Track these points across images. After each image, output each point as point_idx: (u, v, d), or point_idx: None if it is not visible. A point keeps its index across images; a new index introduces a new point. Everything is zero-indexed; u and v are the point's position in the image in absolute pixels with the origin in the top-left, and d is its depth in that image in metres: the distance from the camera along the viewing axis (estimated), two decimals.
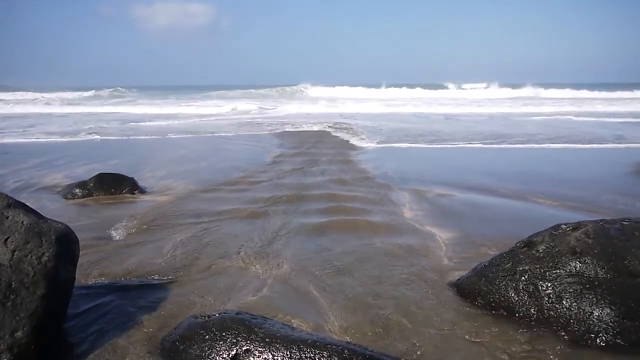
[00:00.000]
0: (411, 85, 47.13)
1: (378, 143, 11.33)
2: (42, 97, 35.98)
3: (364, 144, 11.20)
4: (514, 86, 43.60)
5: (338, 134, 13.30)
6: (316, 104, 27.33)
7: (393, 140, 11.88)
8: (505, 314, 2.95)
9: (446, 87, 48.25)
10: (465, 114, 21.89)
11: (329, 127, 14.98)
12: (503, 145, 10.87)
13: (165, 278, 3.52)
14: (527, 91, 41.96)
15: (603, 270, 2.84)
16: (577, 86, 43.44)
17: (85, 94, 41.99)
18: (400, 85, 46.73)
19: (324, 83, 47.33)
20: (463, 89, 46.83)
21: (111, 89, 46.01)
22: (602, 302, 2.72)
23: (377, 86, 46.26)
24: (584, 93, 38.74)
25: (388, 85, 46.79)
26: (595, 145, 10.81)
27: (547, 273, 2.92)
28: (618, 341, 2.59)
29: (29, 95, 38.77)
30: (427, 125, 16.31)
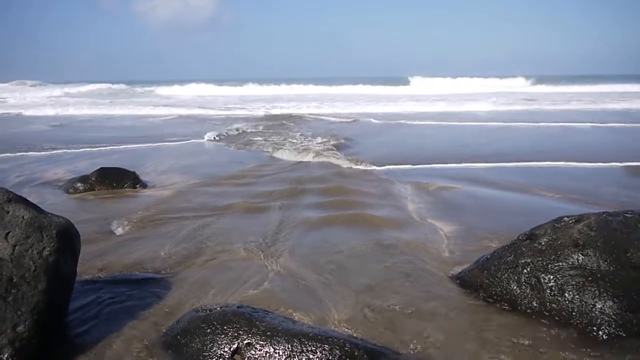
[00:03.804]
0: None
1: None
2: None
3: None
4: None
5: None
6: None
7: None
8: (507, 306, 2.94)
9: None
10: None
11: None
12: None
13: (167, 272, 3.53)
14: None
15: (606, 262, 2.83)
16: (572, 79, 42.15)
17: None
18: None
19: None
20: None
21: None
22: (605, 294, 2.71)
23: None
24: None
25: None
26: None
27: (550, 266, 2.91)
28: (620, 333, 2.58)
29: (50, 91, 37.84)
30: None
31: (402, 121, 14.87)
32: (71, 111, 20.17)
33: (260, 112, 18.94)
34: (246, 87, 39.11)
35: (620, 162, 7.54)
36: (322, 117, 16.69)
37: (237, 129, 12.97)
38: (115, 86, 41.15)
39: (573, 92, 30.30)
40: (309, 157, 8.52)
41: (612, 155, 8.05)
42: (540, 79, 42.46)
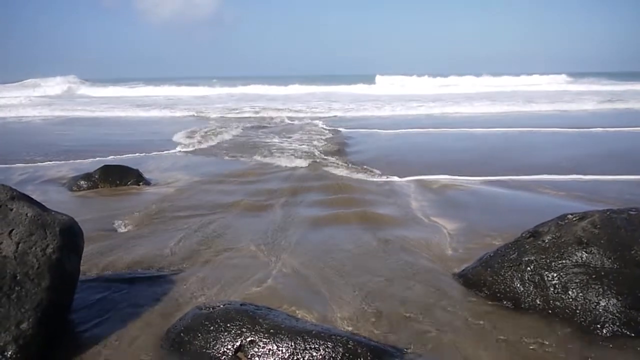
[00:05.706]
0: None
1: None
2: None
3: None
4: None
5: None
6: None
7: None
8: (511, 304, 2.93)
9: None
10: None
11: None
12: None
13: (170, 269, 3.53)
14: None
15: (609, 260, 2.82)
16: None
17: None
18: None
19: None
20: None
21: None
22: (609, 292, 2.70)
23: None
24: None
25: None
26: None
27: (553, 263, 2.90)
28: (624, 331, 2.57)
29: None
30: None
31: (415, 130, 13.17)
32: None
33: (233, 115, 17.70)
34: (205, 88, 35.92)
35: None
36: (316, 120, 15.60)
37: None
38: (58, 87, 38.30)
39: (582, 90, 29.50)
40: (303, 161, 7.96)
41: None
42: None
